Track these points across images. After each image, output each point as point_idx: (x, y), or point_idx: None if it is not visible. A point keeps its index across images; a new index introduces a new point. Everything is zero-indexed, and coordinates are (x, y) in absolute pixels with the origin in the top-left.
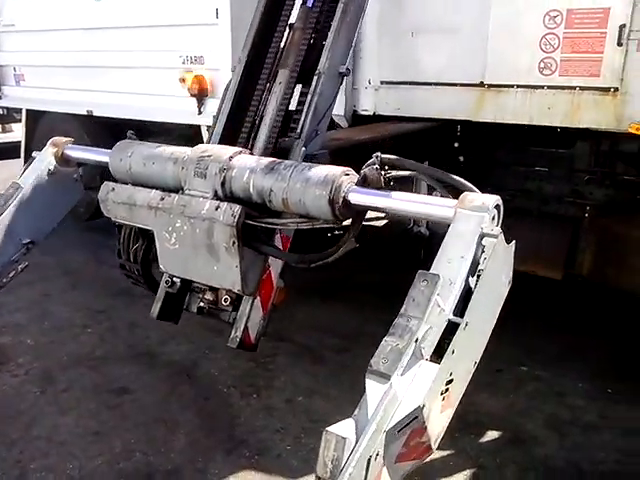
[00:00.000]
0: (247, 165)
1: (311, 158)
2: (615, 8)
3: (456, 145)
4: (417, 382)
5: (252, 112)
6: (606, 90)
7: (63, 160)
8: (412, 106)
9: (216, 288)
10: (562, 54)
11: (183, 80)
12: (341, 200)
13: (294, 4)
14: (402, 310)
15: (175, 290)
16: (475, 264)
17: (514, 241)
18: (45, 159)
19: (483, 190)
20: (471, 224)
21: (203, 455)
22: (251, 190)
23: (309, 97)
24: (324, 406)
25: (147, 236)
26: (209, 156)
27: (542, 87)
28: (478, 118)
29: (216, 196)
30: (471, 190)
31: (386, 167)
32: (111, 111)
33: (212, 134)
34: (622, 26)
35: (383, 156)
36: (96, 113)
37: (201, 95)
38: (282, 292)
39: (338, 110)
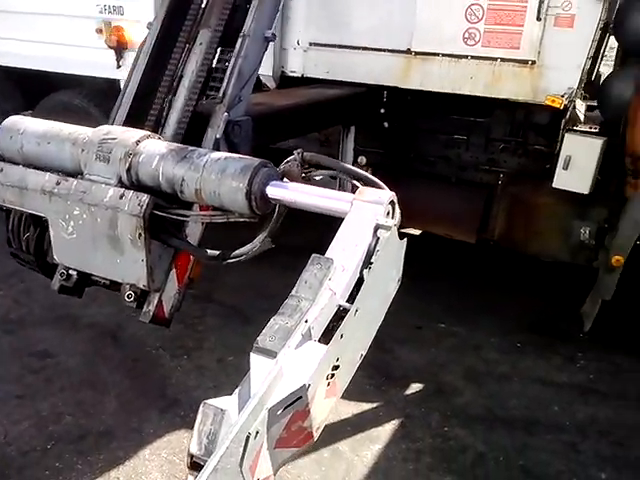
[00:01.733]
0: (156, 151)
1: (234, 124)
2: None
3: (382, 111)
4: (304, 362)
5: (170, 73)
6: (524, 62)
7: None
8: (340, 70)
9: (119, 282)
10: (486, 25)
11: (100, 31)
12: (259, 194)
13: None
14: (293, 292)
15: (71, 284)
16: (369, 255)
17: (406, 238)
18: None
19: (406, 156)
20: (366, 215)
21: (136, 415)
22: (160, 178)
23: (233, 60)
24: None
25: (40, 223)
26: (113, 139)
27: (466, 57)
28: (405, 85)
29: (120, 183)
30: (379, 187)
31: (306, 165)
32: (18, 61)
33: (124, 94)
34: (541, 1)
35: (305, 153)
36: (0, 62)
37: (120, 48)
38: (199, 265)
39: (266, 70)
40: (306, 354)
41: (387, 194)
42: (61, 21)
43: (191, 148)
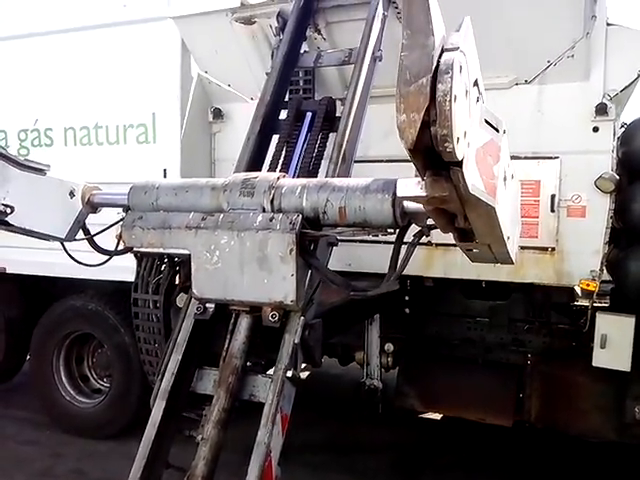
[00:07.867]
0: (297, 183)
1: (310, 328)
2: (545, 180)
3: (407, 298)
4: None
5: None
6: (544, 249)
7: (90, 206)
8: (362, 262)
9: (258, 308)
10: None
11: (119, 237)
12: (400, 204)
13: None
14: None
15: (207, 317)
16: None
17: None
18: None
19: (430, 341)
20: None
21: None
22: (304, 204)
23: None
24: None
25: (173, 265)
26: (255, 177)
27: None
28: (428, 274)
29: (264, 212)
30: None
31: None
32: (22, 268)
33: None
34: (553, 196)
35: None
36: (10, 270)
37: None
38: None
39: None
40: None
41: None
42: None
43: (327, 179)
